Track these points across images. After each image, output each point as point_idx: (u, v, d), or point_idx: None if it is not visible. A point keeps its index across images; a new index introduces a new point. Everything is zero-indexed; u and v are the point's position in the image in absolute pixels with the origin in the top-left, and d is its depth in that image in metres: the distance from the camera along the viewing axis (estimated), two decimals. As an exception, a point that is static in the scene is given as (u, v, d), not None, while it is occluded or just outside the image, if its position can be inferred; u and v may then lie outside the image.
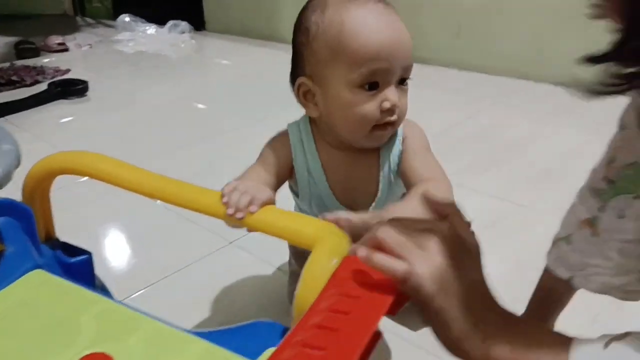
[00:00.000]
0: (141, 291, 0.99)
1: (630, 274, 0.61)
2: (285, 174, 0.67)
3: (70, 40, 3.08)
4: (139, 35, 3.20)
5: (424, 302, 0.37)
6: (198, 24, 3.41)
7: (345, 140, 0.63)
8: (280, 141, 0.67)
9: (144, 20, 3.31)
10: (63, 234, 0.65)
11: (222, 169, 1.44)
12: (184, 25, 3.26)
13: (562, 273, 0.67)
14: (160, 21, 3.28)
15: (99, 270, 0.65)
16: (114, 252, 1.14)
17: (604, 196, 0.60)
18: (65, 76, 2.40)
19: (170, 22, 3.25)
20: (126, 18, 3.32)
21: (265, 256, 1.08)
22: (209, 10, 3.49)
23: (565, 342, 0.37)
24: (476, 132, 1.71)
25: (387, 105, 0.58)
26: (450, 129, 1.73)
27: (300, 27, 0.62)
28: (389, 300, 0.38)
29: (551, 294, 0.72)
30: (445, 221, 0.42)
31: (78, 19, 4.02)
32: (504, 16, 2.25)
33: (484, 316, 0.38)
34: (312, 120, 0.66)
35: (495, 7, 2.26)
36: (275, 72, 2.51)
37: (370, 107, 0.58)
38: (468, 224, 0.42)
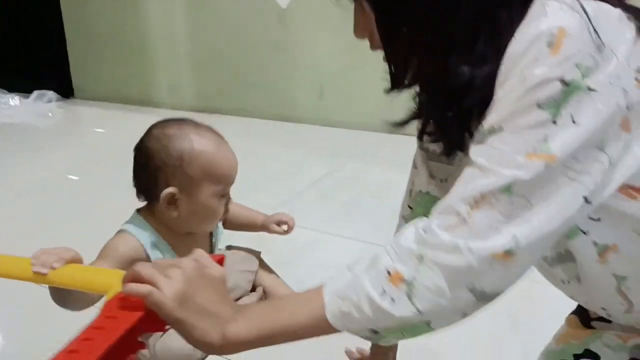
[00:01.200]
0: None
1: None
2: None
3: None
4: (2, 107, 3.07)
5: (166, 316, 0.51)
6: (66, 91, 3.35)
7: (188, 229, 0.84)
8: (125, 244, 0.79)
9: (5, 90, 3.19)
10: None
11: (96, 242, 1.45)
12: (50, 94, 3.19)
13: None
14: (25, 90, 3.18)
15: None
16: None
17: (409, 220, 0.76)
18: None
19: (36, 92, 3.16)
20: (-15, 89, 3.17)
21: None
22: (77, 77, 3.44)
23: (320, 287, 0.52)
24: (341, 183, 1.89)
25: (229, 208, 0.84)
26: (318, 181, 1.90)
27: (167, 153, 0.79)
28: (136, 316, 0.52)
29: None
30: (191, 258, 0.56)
31: None
32: (360, 77, 2.54)
33: (219, 313, 0.52)
34: (147, 217, 0.83)
35: (352, 69, 2.54)
36: (150, 138, 2.56)
37: (221, 209, 0.83)
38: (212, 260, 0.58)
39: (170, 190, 0.78)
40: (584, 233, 0.52)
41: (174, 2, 2.91)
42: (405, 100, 2.56)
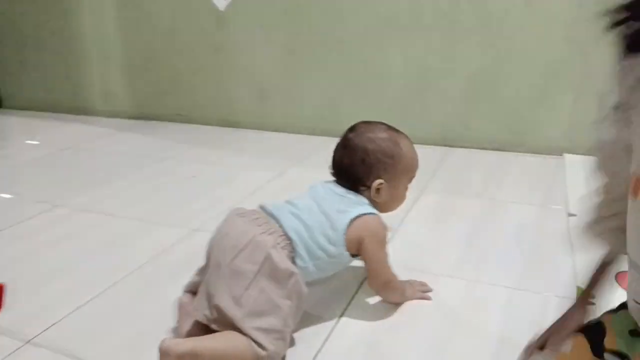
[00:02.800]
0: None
1: None
2: None
3: None
4: None
5: None
6: (-8, 101, 3.17)
7: (381, 211, 1.09)
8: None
9: None
10: None
11: (29, 264, 1.38)
12: (-26, 104, 3.00)
13: None
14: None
15: None
16: None
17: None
18: None
19: (-42, 103, 2.97)
20: None
21: (70, 348, 1.02)
22: (4, 85, 3.26)
23: None
24: (284, 188, 1.88)
25: None
26: (261, 188, 1.88)
27: (384, 152, 1.05)
28: None
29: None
30: None
31: None
32: (301, 80, 2.53)
33: None
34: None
35: (293, 72, 2.53)
36: (91, 148, 2.46)
37: (406, 196, 1.13)
38: None
39: (380, 181, 1.05)
40: None
41: (103, 4, 2.79)
42: (348, 100, 2.58)
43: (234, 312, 0.86)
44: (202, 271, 1.00)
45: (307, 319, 1.04)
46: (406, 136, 1.10)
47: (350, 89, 2.44)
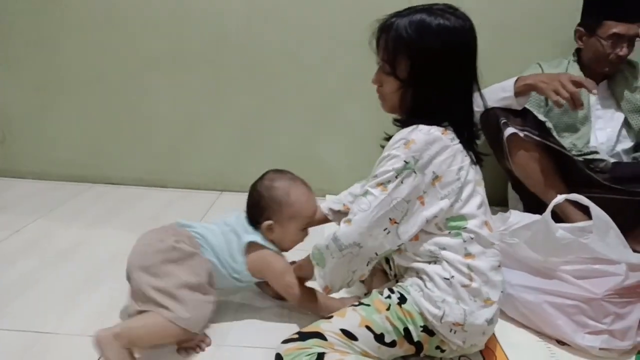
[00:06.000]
0: None
1: None
2: None
3: None
4: None
5: None
6: None
7: (280, 247, 1.29)
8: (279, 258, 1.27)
9: None
10: None
11: None
12: None
13: None
14: None
15: None
16: None
17: None
18: None
19: None
20: None
21: None
22: None
23: None
24: (22, 248, 1.57)
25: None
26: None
27: (272, 197, 1.25)
28: None
29: None
30: None
31: None
32: (53, 120, 2.22)
33: None
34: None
35: (41, 110, 2.21)
36: None
37: (301, 237, 1.30)
38: None
39: (269, 222, 1.25)
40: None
41: None
42: (111, 144, 2.30)
43: (152, 296, 1.06)
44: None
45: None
46: (304, 187, 1.29)
47: (113, 133, 2.22)
